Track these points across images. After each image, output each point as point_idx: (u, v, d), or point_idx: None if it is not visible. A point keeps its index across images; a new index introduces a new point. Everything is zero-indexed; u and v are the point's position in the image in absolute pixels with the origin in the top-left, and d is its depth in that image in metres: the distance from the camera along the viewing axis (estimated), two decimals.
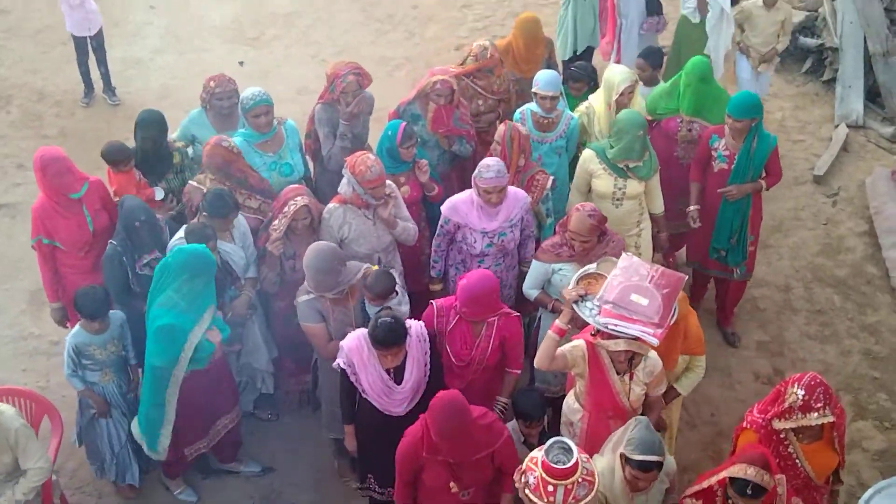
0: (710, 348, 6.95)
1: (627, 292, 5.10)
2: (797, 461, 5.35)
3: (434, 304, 5.98)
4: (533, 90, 7.20)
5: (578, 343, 5.41)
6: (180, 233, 6.30)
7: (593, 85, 7.91)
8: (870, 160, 9.73)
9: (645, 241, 7.13)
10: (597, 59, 9.53)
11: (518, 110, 7.42)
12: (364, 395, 5.54)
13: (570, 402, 5.70)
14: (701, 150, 7.22)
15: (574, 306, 5.26)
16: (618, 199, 6.86)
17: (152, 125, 7.06)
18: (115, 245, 6.32)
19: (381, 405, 5.53)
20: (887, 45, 10.29)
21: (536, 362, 5.41)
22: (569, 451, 4.60)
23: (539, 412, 5.81)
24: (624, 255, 5.39)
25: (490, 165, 6.28)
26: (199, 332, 5.83)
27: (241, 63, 11.30)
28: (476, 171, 6.35)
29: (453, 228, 6.55)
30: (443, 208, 6.56)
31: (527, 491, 4.60)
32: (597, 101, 7.43)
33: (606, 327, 5.09)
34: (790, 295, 8.34)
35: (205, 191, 6.49)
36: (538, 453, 4.64)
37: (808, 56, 10.95)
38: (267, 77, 11.03)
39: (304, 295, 5.98)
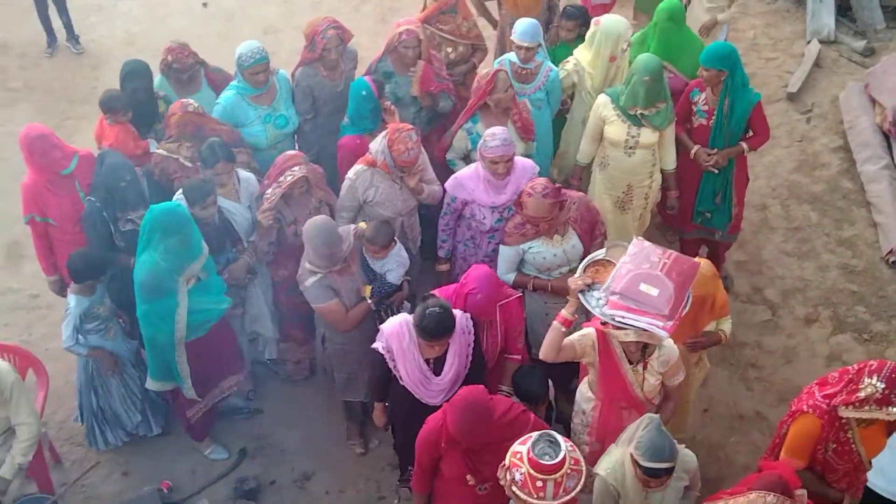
0: None
1: (636, 282, 4.76)
2: (853, 446, 5.00)
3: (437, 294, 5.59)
4: (512, 38, 6.95)
5: (588, 332, 5.13)
6: (178, 193, 6.17)
7: (584, 26, 7.46)
8: (843, 75, 9.71)
9: (653, 194, 6.96)
10: None
11: (497, 59, 7.17)
12: (401, 383, 5.31)
13: (584, 391, 5.45)
14: (681, 104, 6.88)
15: (580, 296, 4.95)
16: (630, 148, 6.61)
17: (140, 75, 6.87)
18: (93, 202, 6.19)
19: (417, 394, 5.29)
20: None
21: (542, 354, 5.10)
22: (555, 443, 4.33)
23: (542, 392, 5.58)
24: (635, 239, 4.99)
25: (495, 134, 6.00)
26: (184, 290, 5.76)
27: (204, 4, 11.11)
28: (481, 142, 6.07)
29: (460, 206, 6.27)
30: (447, 185, 6.28)
31: (514, 488, 4.34)
32: (584, 57, 7.10)
33: (613, 319, 4.79)
34: (767, 213, 8.37)
35: (180, 160, 6.39)
36: (522, 448, 4.36)
37: None
38: (231, 18, 10.89)
39: (310, 277, 5.80)
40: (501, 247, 6.02)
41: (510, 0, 7.77)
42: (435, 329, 5.03)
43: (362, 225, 5.92)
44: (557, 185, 5.84)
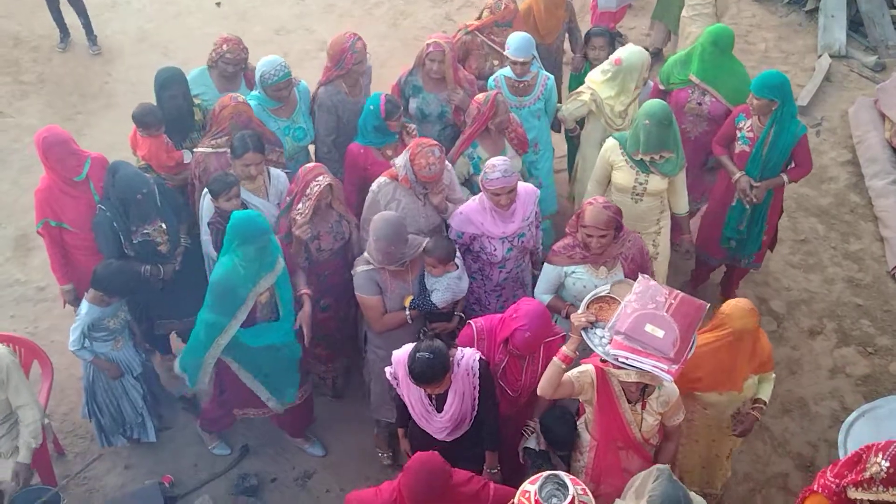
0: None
1: (642, 322, 4.61)
2: None
3: (473, 325, 5.45)
4: (505, 53, 6.89)
5: (587, 368, 4.97)
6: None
7: (612, 45, 7.47)
8: (852, 90, 9.73)
9: (663, 241, 6.72)
10: None
11: (491, 77, 7.08)
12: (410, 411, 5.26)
13: (580, 430, 5.31)
14: (725, 128, 6.75)
15: (583, 333, 4.78)
16: (637, 195, 6.41)
17: (177, 83, 6.72)
18: (104, 210, 6.12)
19: (423, 426, 5.26)
20: None
21: (540, 390, 4.90)
22: (564, 486, 4.07)
23: (569, 440, 5.36)
24: (641, 277, 4.84)
25: (496, 165, 5.80)
26: (253, 297, 5.68)
27: (217, 3, 11.14)
28: (482, 174, 5.89)
29: (468, 240, 6.07)
30: (453, 222, 6.08)
31: None
32: (600, 87, 6.95)
33: (616, 360, 4.62)
34: None
35: (229, 152, 6.32)
36: (531, 488, 4.11)
37: None
38: (244, 18, 10.92)
39: (364, 265, 5.74)
40: (545, 265, 5.85)
41: (531, 24, 7.71)
42: (421, 375, 4.92)
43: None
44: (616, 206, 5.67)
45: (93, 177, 6.32)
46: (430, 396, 5.17)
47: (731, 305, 5.32)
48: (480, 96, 6.50)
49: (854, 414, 6.27)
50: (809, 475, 6.52)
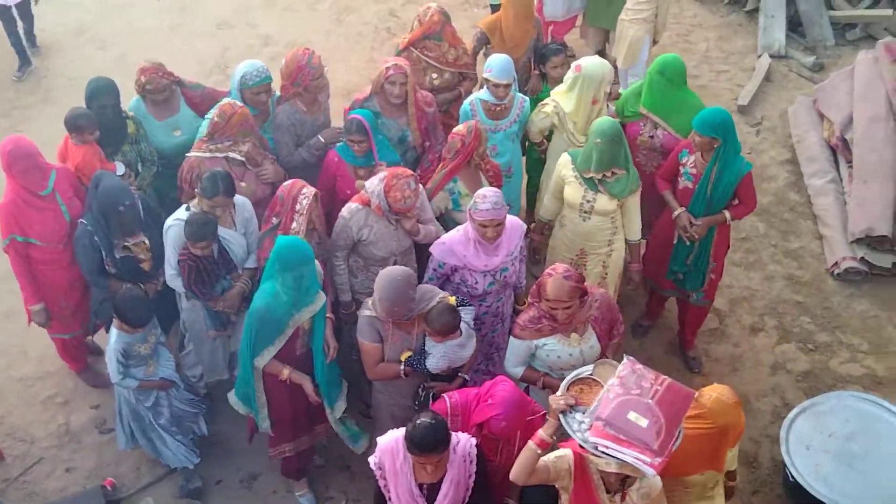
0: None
1: (625, 409, 4.33)
2: None
3: (447, 400, 5.12)
4: (485, 76, 6.71)
5: (564, 453, 4.64)
6: (179, 213, 5.96)
7: (571, 58, 7.37)
8: (792, 89, 9.87)
9: (614, 263, 6.62)
10: None
11: (467, 101, 6.88)
12: None
13: None
14: (669, 163, 6.61)
15: (561, 417, 4.50)
16: (585, 212, 6.32)
17: (107, 93, 6.50)
18: (84, 224, 5.95)
19: None
20: None
21: (513, 476, 4.60)
22: None
23: None
24: (626, 360, 4.55)
25: (486, 196, 5.61)
26: (293, 325, 5.54)
27: None
28: (471, 203, 5.71)
29: (449, 271, 5.90)
30: (435, 251, 5.89)
31: None
32: (563, 100, 6.79)
33: (596, 448, 4.35)
34: None
35: (228, 156, 6.23)
36: None
37: None
38: (185, 10, 10.79)
39: (368, 310, 5.49)
40: (512, 339, 5.59)
41: (498, 35, 7.57)
42: (424, 441, 4.56)
43: (451, 300, 5.44)
44: (579, 271, 5.52)
45: (59, 189, 6.12)
46: (420, 487, 4.80)
47: (713, 399, 5.01)
48: (461, 128, 6.31)
49: (795, 410, 6.39)
50: (753, 470, 6.64)
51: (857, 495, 5.80)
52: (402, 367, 5.48)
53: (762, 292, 7.91)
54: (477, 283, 5.88)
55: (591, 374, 4.74)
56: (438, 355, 5.41)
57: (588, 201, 6.30)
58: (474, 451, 4.82)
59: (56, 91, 9.52)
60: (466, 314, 5.48)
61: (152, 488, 6.44)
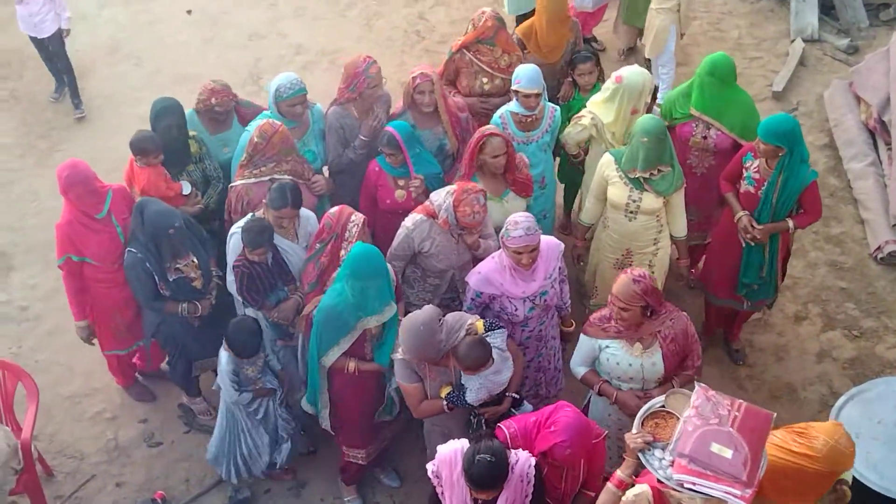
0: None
1: (706, 441, 4.17)
2: None
3: (506, 431, 4.99)
4: (513, 88, 6.60)
5: (643, 490, 4.39)
6: (243, 221, 5.97)
7: (599, 66, 7.26)
8: (827, 73, 9.76)
9: (661, 262, 6.55)
10: None
11: (497, 114, 6.77)
12: None
13: None
14: (733, 165, 6.48)
15: (640, 455, 4.37)
16: (631, 212, 6.27)
17: (172, 113, 6.52)
18: (134, 253, 5.96)
19: None
20: None
21: None
22: None
23: None
24: (698, 387, 4.39)
25: (518, 222, 5.47)
26: (360, 328, 5.53)
27: (189, 12, 11.04)
28: (503, 230, 5.57)
29: (487, 299, 5.76)
30: (471, 281, 5.74)
31: None
32: (601, 111, 6.70)
33: (682, 486, 4.19)
34: None
35: (274, 177, 6.21)
36: None
37: None
38: (216, 24, 10.86)
39: (399, 354, 5.40)
40: (581, 335, 5.55)
41: (533, 41, 7.41)
42: (481, 481, 4.55)
43: (479, 325, 5.30)
44: (657, 287, 5.36)
45: (114, 210, 6.19)
46: (475, 501, 4.77)
47: (829, 447, 4.44)
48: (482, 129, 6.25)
49: (843, 398, 6.28)
50: None
51: None
52: (444, 402, 5.37)
53: (805, 280, 7.83)
54: (517, 309, 5.72)
55: (664, 406, 4.61)
56: (476, 387, 5.25)
57: (634, 201, 6.24)
58: (532, 471, 4.74)
59: (93, 110, 9.63)
60: (496, 339, 5.30)
61: (202, 499, 6.50)
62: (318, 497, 6.50)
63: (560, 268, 5.87)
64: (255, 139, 6.25)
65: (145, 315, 6.43)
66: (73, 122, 9.48)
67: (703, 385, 4.43)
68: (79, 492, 6.50)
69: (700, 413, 4.28)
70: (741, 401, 4.36)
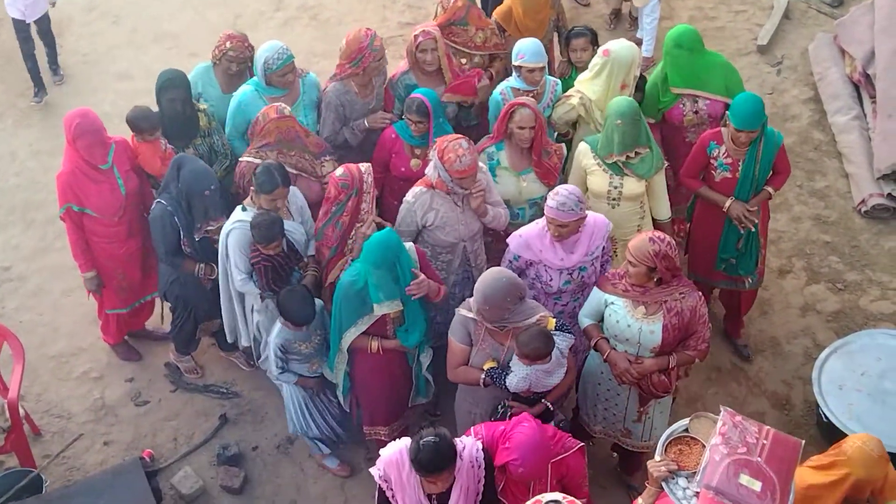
0: None
1: (735, 472, 4.00)
2: None
3: (475, 434, 4.87)
4: (515, 63, 6.47)
5: None
6: (236, 214, 5.87)
7: (595, 43, 7.02)
8: (812, 26, 9.71)
9: None
10: None
11: (497, 90, 6.62)
12: None
13: None
14: (694, 161, 6.34)
15: (664, 484, 4.22)
16: (614, 199, 6.12)
17: (178, 85, 6.40)
18: (164, 205, 5.92)
19: None
20: None
21: None
22: None
23: None
24: (723, 412, 4.24)
25: (558, 193, 5.43)
26: (379, 312, 5.48)
27: None
28: (547, 200, 5.55)
29: (524, 265, 5.69)
30: (511, 243, 5.68)
31: None
32: (588, 89, 6.53)
33: None
34: None
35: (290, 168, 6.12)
36: None
37: None
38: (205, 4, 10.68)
39: (465, 310, 5.26)
40: (594, 287, 5.50)
41: (512, 24, 7.26)
42: (430, 464, 4.44)
43: (551, 323, 5.15)
44: (673, 256, 5.15)
45: (117, 162, 6.16)
46: (429, 497, 4.67)
47: (856, 448, 4.59)
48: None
49: (827, 350, 6.39)
50: (786, 413, 6.64)
51: (891, 433, 5.69)
52: (482, 375, 5.25)
53: (789, 234, 7.85)
54: (552, 279, 5.66)
55: (688, 431, 4.46)
56: (521, 375, 5.10)
57: (616, 187, 6.11)
58: (481, 454, 4.67)
59: (70, 67, 9.49)
60: (563, 341, 5.16)
61: (190, 457, 6.51)
62: (305, 453, 6.52)
63: (605, 247, 5.77)
64: (259, 116, 6.23)
65: (161, 270, 6.39)
66: (49, 80, 9.34)
67: (730, 410, 4.27)
68: (67, 451, 6.50)
69: (727, 441, 4.11)
70: (769, 427, 4.23)
